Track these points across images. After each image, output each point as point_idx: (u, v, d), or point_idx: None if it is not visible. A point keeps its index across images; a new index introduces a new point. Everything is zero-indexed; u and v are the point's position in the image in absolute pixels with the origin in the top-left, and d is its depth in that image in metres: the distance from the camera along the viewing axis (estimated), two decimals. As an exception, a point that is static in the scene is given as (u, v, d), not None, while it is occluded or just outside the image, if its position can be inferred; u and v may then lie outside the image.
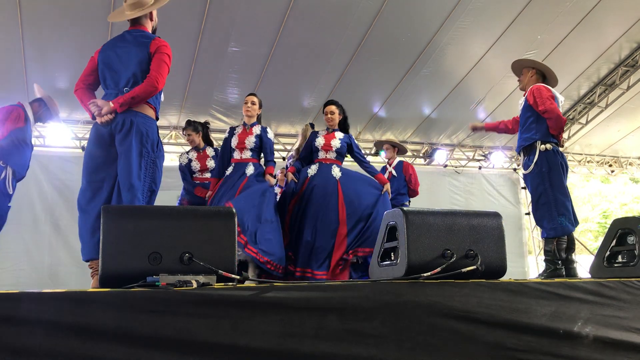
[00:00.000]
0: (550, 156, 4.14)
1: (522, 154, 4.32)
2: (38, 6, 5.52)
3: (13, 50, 5.85)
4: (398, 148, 6.74)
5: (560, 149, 4.27)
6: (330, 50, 6.62)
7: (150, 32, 3.47)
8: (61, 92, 6.42)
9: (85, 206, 3.24)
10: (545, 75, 4.45)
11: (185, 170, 5.54)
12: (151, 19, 3.49)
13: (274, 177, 4.85)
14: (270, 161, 4.77)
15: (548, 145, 4.16)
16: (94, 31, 5.83)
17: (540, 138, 4.16)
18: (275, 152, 8.17)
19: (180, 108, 6.97)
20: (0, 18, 5.58)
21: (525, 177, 4.35)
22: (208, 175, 5.45)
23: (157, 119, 3.39)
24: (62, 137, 7.10)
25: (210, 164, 5.49)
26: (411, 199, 6.52)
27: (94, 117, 3.27)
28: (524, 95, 4.40)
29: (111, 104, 3.15)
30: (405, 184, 6.41)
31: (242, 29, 6.14)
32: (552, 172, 4.11)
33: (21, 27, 5.64)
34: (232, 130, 4.88)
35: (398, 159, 6.63)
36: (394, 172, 6.44)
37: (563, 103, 4.89)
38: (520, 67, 4.51)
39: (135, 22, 3.44)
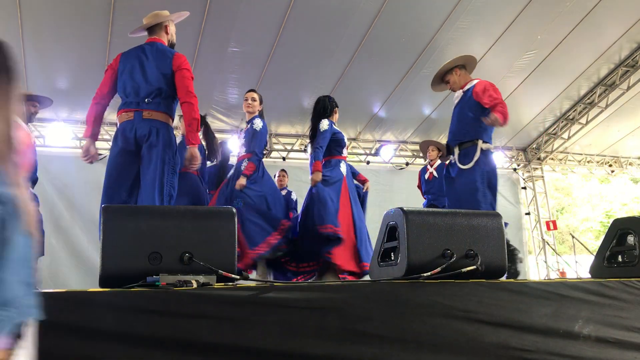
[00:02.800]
0: (490, 158, 4.05)
1: (457, 148, 4.09)
2: (38, 6, 5.52)
3: (13, 50, 5.85)
4: (442, 151, 6.67)
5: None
6: (330, 50, 6.61)
7: (167, 45, 3.56)
8: (61, 92, 6.42)
9: None
10: (465, 65, 4.34)
11: None
12: (167, 32, 3.57)
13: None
14: (252, 153, 4.38)
15: (491, 146, 4.07)
16: (94, 32, 5.83)
17: (483, 138, 4.03)
18: (275, 152, 8.27)
19: (180, 108, 6.98)
20: (0, 18, 5.58)
21: (455, 170, 4.10)
22: None
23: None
24: (62, 137, 7.09)
25: None
26: None
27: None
28: (461, 89, 4.24)
29: (192, 147, 3.40)
30: None
31: (242, 29, 6.14)
32: (492, 174, 4.01)
33: (21, 27, 5.63)
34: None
35: (439, 161, 6.54)
36: (435, 174, 6.36)
37: None
38: (440, 77, 4.35)
39: (152, 34, 3.54)
